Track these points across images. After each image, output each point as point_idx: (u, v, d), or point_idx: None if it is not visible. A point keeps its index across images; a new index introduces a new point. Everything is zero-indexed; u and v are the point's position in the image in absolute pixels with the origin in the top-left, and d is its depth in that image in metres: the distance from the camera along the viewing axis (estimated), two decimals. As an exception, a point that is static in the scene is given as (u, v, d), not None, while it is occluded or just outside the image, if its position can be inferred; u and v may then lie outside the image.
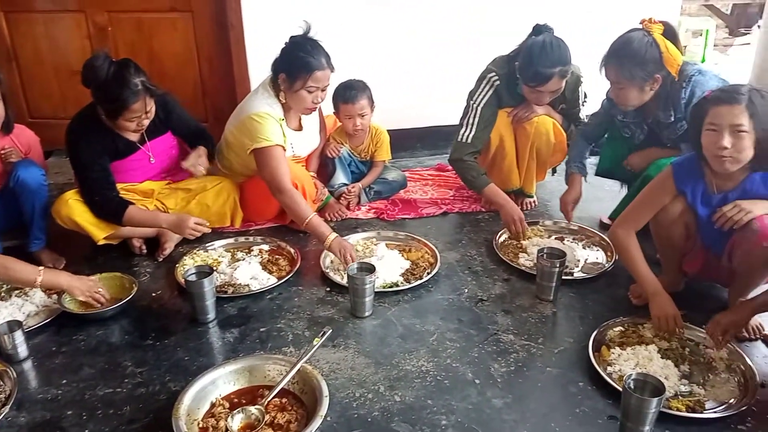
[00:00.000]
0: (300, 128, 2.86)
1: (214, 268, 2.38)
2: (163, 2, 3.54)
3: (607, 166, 2.91)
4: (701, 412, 1.79)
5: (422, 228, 2.98)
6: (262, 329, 2.20)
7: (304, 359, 1.84)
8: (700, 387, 1.90)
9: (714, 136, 1.96)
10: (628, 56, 2.36)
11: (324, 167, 3.16)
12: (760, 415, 1.81)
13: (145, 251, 2.70)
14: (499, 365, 2.02)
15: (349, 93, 3.04)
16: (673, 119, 2.48)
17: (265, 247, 2.71)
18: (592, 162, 2.98)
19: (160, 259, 2.65)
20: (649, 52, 2.35)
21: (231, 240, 2.77)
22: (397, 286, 2.44)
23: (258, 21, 3.42)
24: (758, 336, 2.14)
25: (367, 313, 2.27)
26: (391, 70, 3.69)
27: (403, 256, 2.65)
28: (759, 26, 6.96)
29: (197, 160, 2.70)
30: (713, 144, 1.96)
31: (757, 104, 1.92)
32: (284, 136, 2.69)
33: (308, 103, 2.66)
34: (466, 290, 2.46)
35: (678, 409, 1.79)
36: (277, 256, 2.64)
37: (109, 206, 2.52)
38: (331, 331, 2.04)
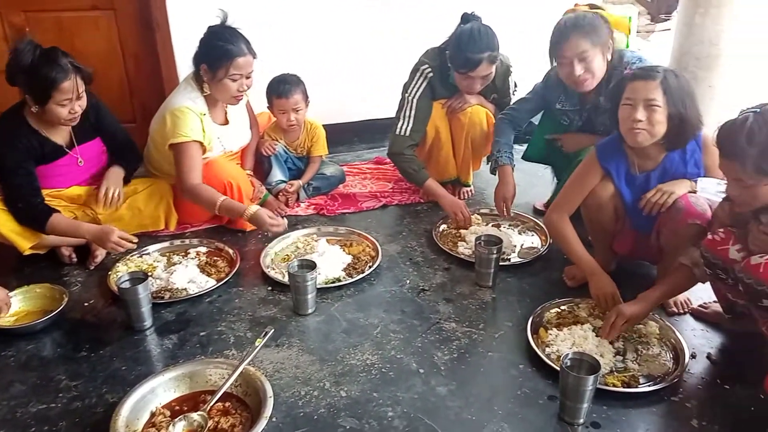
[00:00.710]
0: (226, 122, 2.81)
1: (149, 274, 2.31)
2: (84, 0, 3.40)
3: (540, 153, 2.94)
4: (636, 387, 1.87)
5: (363, 222, 2.98)
6: (202, 333, 2.15)
7: (247, 361, 1.82)
8: (634, 362, 1.98)
9: (629, 110, 2.05)
10: (586, 24, 2.40)
11: (260, 165, 3.12)
12: (691, 385, 1.91)
13: (75, 260, 2.59)
14: (443, 353, 2.05)
15: (283, 87, 3.00)
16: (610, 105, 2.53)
17: (203, 249, 2.66)
18: (517, 148, 2.98)
19: (92, 267, 2.55)
20: (598, 19, 2.42)
21: (166, 244, 2.69)
22: (340, 281, 2.43)
23: (185, 17, 3.34)
24: (686, 310, 2.25)
25: (310, 310, 2.26)
26: (325, 65, 3.67)
27: (344, 250, 2.64)
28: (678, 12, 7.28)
29: (113, 191, 2.60)
30: (628, 117, 2.05)
31: (670, 82, 2.01)
32: (204, 131, 2.65)
33: (233, 91, 2.62)
34: (408, 281, 2.48)
35: (614, 385, 1.86)
36: (215, 258, 2.59)
37: (32, 213, 2.40)
38: (273, 330, 2.02)
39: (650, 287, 2.12)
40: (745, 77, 3.24)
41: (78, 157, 2.58)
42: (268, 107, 3.10)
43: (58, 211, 2.43)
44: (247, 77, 2.62)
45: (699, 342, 2.09)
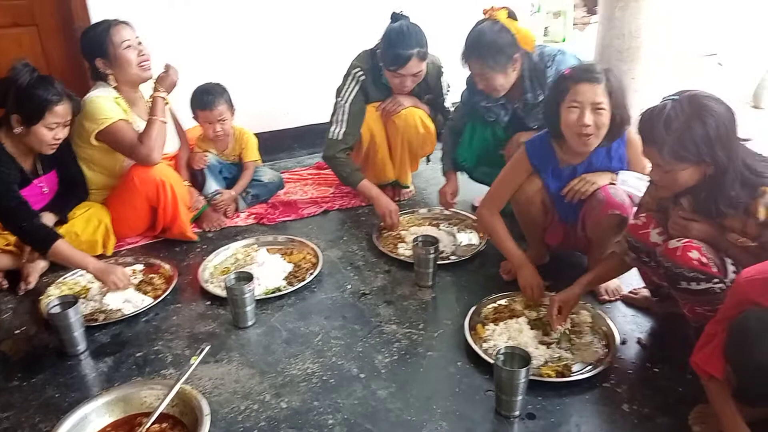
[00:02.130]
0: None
1: (79, 297, 2.26)
2: (3, 18, 3.29)
3: (470, 154, 2.93)
4: (569, 376, 1.92)
5: (304, 229, 2.97)
6: (138, 354, 2.11)
7: (182, 380, 1.79)
8: (568, 351, 2.03)
9: (576, 113, 2.08)
10: (485, 47, 2.44)
11: (195, 179, 3.07)
12: (621, 370, 1.97)
13: (5, 285, 2.51)
14: (383, 356, 2.07)
15: (206, 98, 2.98)
16: (541, 98, 2.59)
17: (138, 266, 2.60)
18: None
19: (22, 293, 2.47)
20: (503, 38, 2.44)
21: (101, 264, 2.63)
22: (280, 290, 2.42)
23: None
24: (617, 297, 2.32)
25: (249, 323, 2.24)
26: (261, 72, 3.64)
27: (285, 259, 2.63)
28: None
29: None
30: (576, 122, 2.09)
31: (612, 83, 2.07)
32: (126, 110, 2.66)
33: (135, 65, 2.63)
34: (349, 286, 2.48)
35: (548, 375, 1.91)
36: (151, 275, 2.54)
37: (38, 234, 2.36)
38: (210, 346, 1.99)
39: (581, 274, 2.18)
40: (664, 69, 3.36)
41: (43, 185, 2.56)
42: (193, 118, 3.06)
43: (62, 237, 2.39)
44: (139, 44, 2.65)
45: (629, 327, 2.15)
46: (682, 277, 1.76)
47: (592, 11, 8.03)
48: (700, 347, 1.68)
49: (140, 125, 2.69)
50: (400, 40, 2.75)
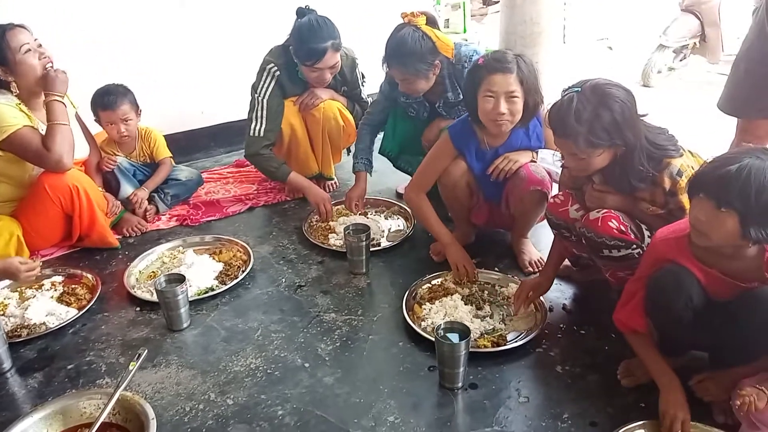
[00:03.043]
0: None
1: (1, 313, 2.13)
2: None
3: (393, 144, 3.03)
4: (504, 345, 2.02)
5: (230, 227, 2.93)
6: (69, 366, 2.02)
7: (122, 387, 1.73)
8: (501, 323, 2.14)
9: (492, 102, 2.18)
10: (407, 54, 2.49)
11: (108, 184, 2.94)
12: (551, 335, 2.09)
13: None
14: (326, 344, 2.09)
15: (108, 99, 2.88)
16: (461, 97, 2.66)
17: (58, 278, 2.48)
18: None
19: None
20: (425, 45, 2.50)
21: (16, 278, 2.48)
22: (213, 290, 2.38)
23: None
24: (538, 269, 2.44)
25: (184, 325, 2.19)
26: (172, 72, 3.54)
27: (214, 258, 2.59)
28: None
29: None
30: (492, 110, 2.18)
31: (524, 71, 2.17)
32: (30, 116, 2.50)
33: (36, 67, 2.47)
34: (284, 280, 2.48)
35: (485, 346, 2.00)
36: (73, 286, 2.42)
37: None
38: (147, 351, 1.92)
39: (508, 250, 2.31)
40: (563, 53, 3.57)
41: None
42: (95, 120, 2.94)
43: None
44: (39, 47, 2.49)
45: (554, 295, 2.29)
46: (603, 245, 1.89)
47: (487, 2, 8.36)
48: (621, 305, 1.83)
49: (40, 126, 2.54)
50: (313, 35, 2.74)
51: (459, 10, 6.48)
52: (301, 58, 2.81)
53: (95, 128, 2.99)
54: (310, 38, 2.74)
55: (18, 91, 2.50)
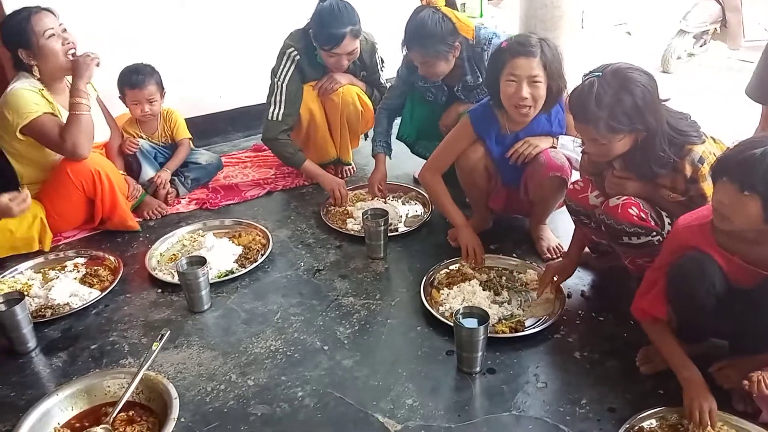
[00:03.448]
0: None
1: (25, 293, 2.17)
2: None
3: (411, 129, 3.02)
4: (522, 330, 2.03)
5: (249, 211, 2.95)
6: (93, 347, 2.06)
7: (145, 366, 1.77)
8: (519, 308, 2.14)
9: (514, 87, 2.15)
10: (428, 36, 2.48)
11: (129, 167, 2.97)
12: (570, 321, 2.10)
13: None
14: (344, 328, 2.11)
15: (136, 78, 2.90)
16: (480, 80, 2.66)
17: (80, 260, 2.52)
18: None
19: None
20: (445, 27, 2.49)
21: (40, 259, 2.52)
22: (233, 273, 2.41)
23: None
24: (558, 255, 2.45)
25: (205, 307, 2.22)
26: (192, 55, 3.54)
27: (233, 242, 2.61)
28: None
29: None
30: (514, 95, 2.16)
31: (548, 55, 2.15)
32: (51, 103, 2.52)
33: (59, 48, 2.49)
34: (302, 264, 2.50)
35: (503, 332, 2.01)
36: (95, 267, 2.46)
37: None
38: (169, 332, 1.96)
39: (526, 236, 2.31)
40: (583, 38, 3.53)
41: None
42: (119, 97, 2.97)
43: None
44: (64, 30, 2.51)
45: (573, 282, 2.28)
46: (623, 232, 1.89)
47: (505, -13, 8.25)
48: (642, 294, 1.82)
49: (63, 114, 2.57)
50: (333, 20, 2.74)
51: (476, -6, 6.43)
52: (320, 43, 2.81)
53: (117, 108, 3.01)
54: (330, 23, 2.74)
55: (40, 75, 2.52)
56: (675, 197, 1.89)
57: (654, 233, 1.87)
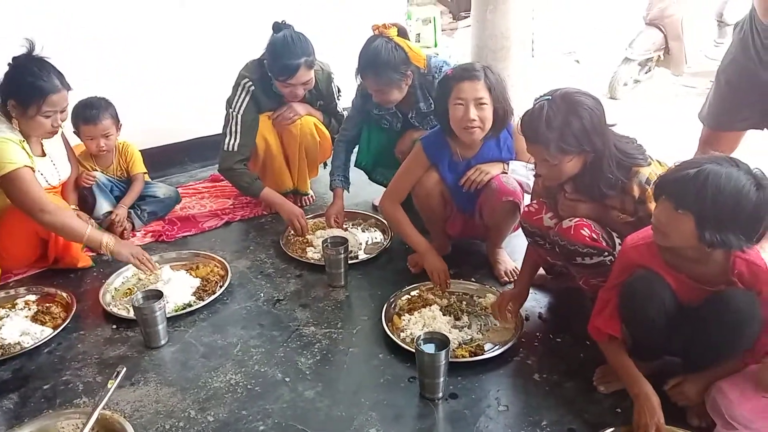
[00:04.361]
0: (43, 154, 2.60)
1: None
2: None
3: (368, 157, 3.05)
4: (482, 354, 2.04)
5: (207, 242, 2.92)
6: (45, 387, 1.99)
7: (101, 405, 1.72)
8: (479, 333, 2.17)
9: (461, 110, 2.23)
10: (381, 65, 2.54)
11: (84, 200, 2.91)
12: (529, 343, 2.13)
13: None
14: (306, 358, 2.09)
15: (90, 112, 2.87)
16: (432, 107, 2.70)
17: (32, 297, 2.44)
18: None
19: None
20: (398, 56, 2.55)
21: (-12, 298, 2.44)
22: (191, 306, 2.37)
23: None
24: (513, 278, 2.49)
25: (162, 342, 2.18)
26: (146, 86, 3.50)
27: (191, 274, 2.57)
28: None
29: None
30: (462, 117, 2.23)
31: (491, 79, 2.23)
32: (31, 157, 2.44)
33: (47, 127, 2.44)
34: (262, 294, 2.48)
35: (463, 356, 2.03)
36: (47, 305, 2.38)
37: None
38: (125, 369, 1.92)
39: (484, 260, 2.35)
40: (532, 67, 3.65)
41: None
42: (74, 132, 2.92)
43: None
44: (62, 111, 2.46)
45: (530, 304, 2.32)
46: (577, 253, 1.94)
47: (457, 17, 8.49)
48: (597, 313, 1.87)
49: (41, 168, 2.52)
50: (287, 51, 2.76)
51: (430, 24, 6.60)
52: (275, 74, 2.82)
53: (72, 139, 2.95)
54: (284, 54, 2.76)
55: (19, 128, 2.44)
56: (624, 218, 1.96)
57: (606, 253, 1.93)
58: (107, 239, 2.46)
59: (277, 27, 2.83)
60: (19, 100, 2.38)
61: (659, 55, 5.41)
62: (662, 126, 4.25)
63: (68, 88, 2.45)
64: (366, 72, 2.60)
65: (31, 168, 2.41)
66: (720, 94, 2.50)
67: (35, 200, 2.36)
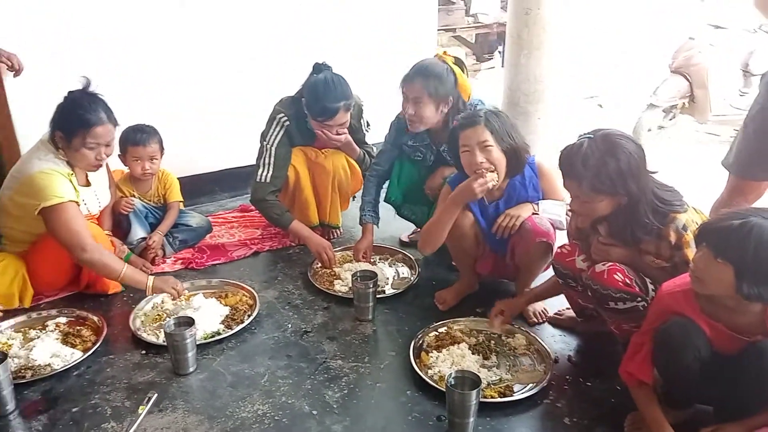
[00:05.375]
0: (88, 184, 2.67)
1: (6, 353, 2.11)
2: None
3: (398, 192, 3.06)
4: (511, 395, 2.03)
5: (236, 271, 2.94)
6: (74, 409, 2.00)
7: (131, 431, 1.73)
8: (508, 373, 2.15)
9: (468, 156, 2.29)
10: (432, 75, 2.61)
11: (118, 225, 2.96)
12: (558, 386, 2.11)
13: None
14: (333, 392, 2.09)
15: (140, 136, 2.95)
16: None
17: (62, 319, 2.46)
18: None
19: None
20: (449, 76, 2.64)
21: (21, 318, 2.46)
22: (219, 334, 2.38)
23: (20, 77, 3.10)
24: (544, 320, 2.48)
25: (191, 369, 2.19)
26: (179, 117, 3.58)
27: (221, 302, 2.59)
28: (500, 51, 8.02)
29: None
30: (470, 163, 2.29)
31: (492, 122, 2.30)
32: (77, 191, 2.49)
33: (91, 160, 2.50)
34: (290, 325, 2.49)
35: (492, 397, 2.01)
36: (78, 327, 2.41)
37: None
38: (156, 395, 1.93)
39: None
40: (561, 110, 3.70)
41: None
42: (119, 156, 2.99)
43: None
44: (107, 145, 2.51)
45: (559, 347, 2.31)
46: (609, 297, 1.94)
47: (481, 59, 8.63)
48: (629, 358, 1.86)
49: (84, 197, 2.57)
50: (327, 93, 2.81)
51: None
52: (314, 114, 2.87)
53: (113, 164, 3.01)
54: (324, 96, 2.81)
55: (66, 158, 2.50)
56: (659, 263, 1.96)
57: (639, 299, 1.92)
58: (150, 280, 2.50)
59: (318, 68, 2.90)
60: (65, 131, 2.45)
61: (684, 103, 5.43)
62: (687, 172, 4.25)
63: (115, 123, 2.53)
64: (414, 76, 2.63)
65: (77, 203, 2.47)
66: (747, 143, 2.51)
67: (75, 237, 2.39)
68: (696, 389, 1.78)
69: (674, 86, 5.29)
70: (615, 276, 1.92)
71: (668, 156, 4.93)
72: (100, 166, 2.59)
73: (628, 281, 1.92)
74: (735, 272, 1.53)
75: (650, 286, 1.95)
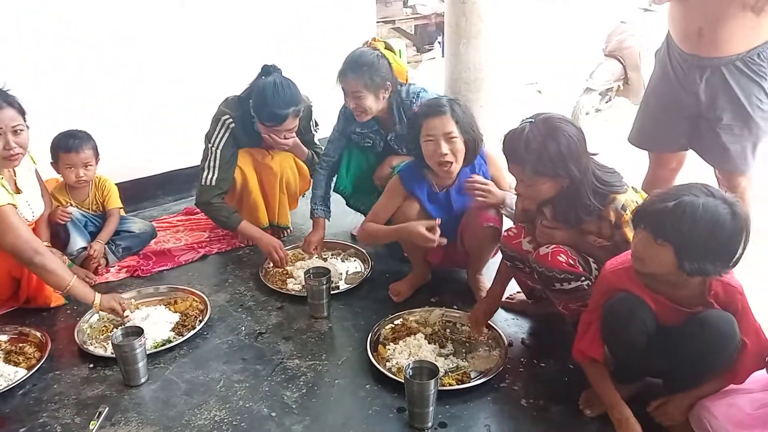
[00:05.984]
0: (18, 191, 2.54)
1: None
2: None
3: (347, 181, 3.03)
4: (469, 382, 2.06)
5: (184, 276, 2.87)
6: (21, 430, 1.93)
7: (84, 448, 1.67)
8: (464, 360, 2.18)
9: (433, 145, 2.28)
10: (364, 66, 2.59)
11: (56, 236, 2.84)
12: (514, 370, 2.15)
13: None
14: (291, 392, 2.07)
15: (72, 142, 2.83)
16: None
17: (3, 337, 2.36)
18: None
19: None
20: (381, 62, 2.62)
21: (-42, 340, 2.35)
22: (170, 342, 2.33)
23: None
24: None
25: (142, 380, 2.13)
26: (119, 120, 3.47)
27: (170, 309, 2.53)
28: (439, 42, 8.08)
29: None
30: (435, 153, 2.28)
31: (457, 111, 2.29)
32: (11, 194, 2.36)
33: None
34: (243, 328, 2.45)
35: (450, 384, 2.04)
36: (20, 345, 2.31)
37: None
38: (107, 409, 1.87)
39: (465, 287, 2.42)
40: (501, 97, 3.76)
41: None
42: (51, 163, 2.87)
43: None
44: (14, 132, 2.35)
45: (513, 330, 2.36)
46: (554, 279, 1.98)
47: (421, 50, 8.68)
48: (579, 337, 1.91)
49: (20, 209, 2.43)
50: (276, 98, 2.73)
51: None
52: (261, 118, 2.80)
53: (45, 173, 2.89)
54: (273, 102, 2.73)
55: None
56: (600, 242, 2.02)
57: (583, 278, 1.98)
58: (97, 298, 2.37)
59: (267, 70, 2.82)
60: None
61: (619, 85, 5.61)
62: (623, 152, 4.38)
63: (17, 107, 2.37)
64: (348, 71, 2.61)
65: (13, 204, 2.34)
66: (648, 117, 2.60)
67: (28, 240, 2.27)
68: (644, 362, 1.84)
69: (609, 70, 5.45)
70: (559, 257, 1.97)
71: (606, 138, 5.07)
72: (12, 156, 2.38)
73: (571, 262, 1.97)
74: (675, 251, 1.59)
75: (593, 266, 2.01)
